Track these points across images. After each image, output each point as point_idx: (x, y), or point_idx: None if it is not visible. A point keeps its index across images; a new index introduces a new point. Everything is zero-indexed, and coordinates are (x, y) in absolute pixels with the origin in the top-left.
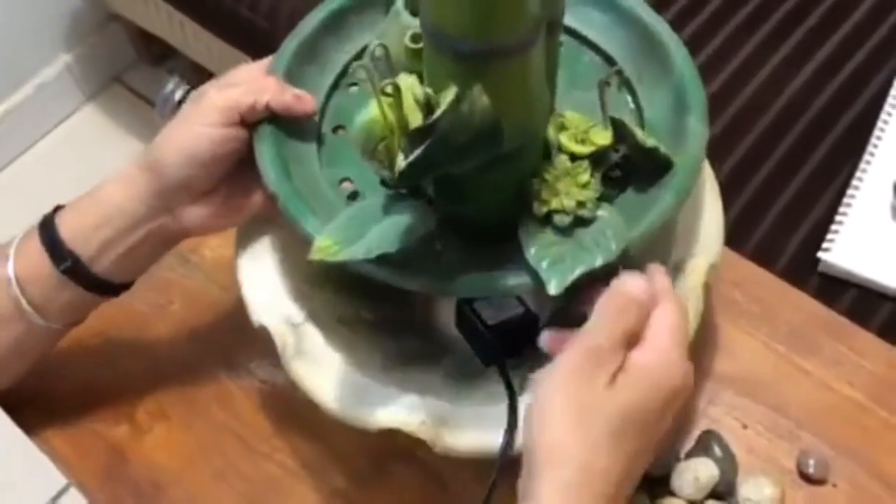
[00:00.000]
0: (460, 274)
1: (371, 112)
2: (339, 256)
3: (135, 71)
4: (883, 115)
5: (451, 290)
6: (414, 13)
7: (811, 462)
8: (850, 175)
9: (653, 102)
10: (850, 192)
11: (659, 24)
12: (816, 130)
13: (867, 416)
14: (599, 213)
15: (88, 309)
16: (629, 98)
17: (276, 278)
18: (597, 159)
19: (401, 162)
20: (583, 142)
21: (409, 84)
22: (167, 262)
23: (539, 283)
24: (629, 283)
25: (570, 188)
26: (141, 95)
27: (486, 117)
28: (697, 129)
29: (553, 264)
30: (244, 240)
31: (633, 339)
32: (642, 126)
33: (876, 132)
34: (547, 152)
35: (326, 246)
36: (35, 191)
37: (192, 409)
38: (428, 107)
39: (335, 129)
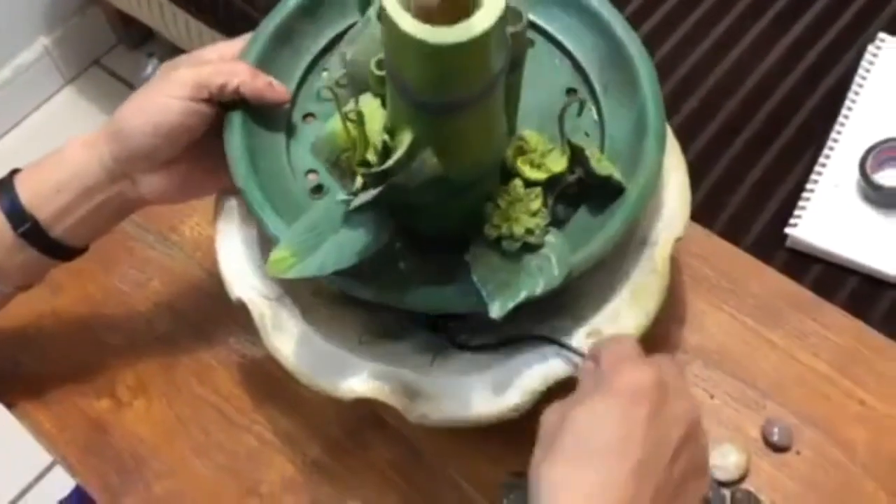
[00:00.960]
0: (413, 287)
1: (331, 124)
2: (291, 273)
3: (114, 54)
4: (850, 95)
5: (403, 304)
6: None
7: (776, 430)
8: (817, 153)
9: (615, 117)
10: (817, 169)
11: (631, 41)
12: (784, 110)
13: (831, 386)
14: (547, 238)
15: (41, 273)
16: (594, 112)
17: (253, 254)
18: (550, 183)
19: (358, 187)
20: (539, 167)
21: (372, 109)
22: (147, 240)
23: (483, 305)
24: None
25: (521, 215)
26: (121, 78)
27: (433, 172)
28: (653, 155)
29: (497, 289)
30: (223, 216)
31: None
32: (603, 139)
33: (843, 111)
34: (504, 174)
35: (282, 258)
36: None
37: (172, 384)
38: (385, 148)
39: (305, 117)
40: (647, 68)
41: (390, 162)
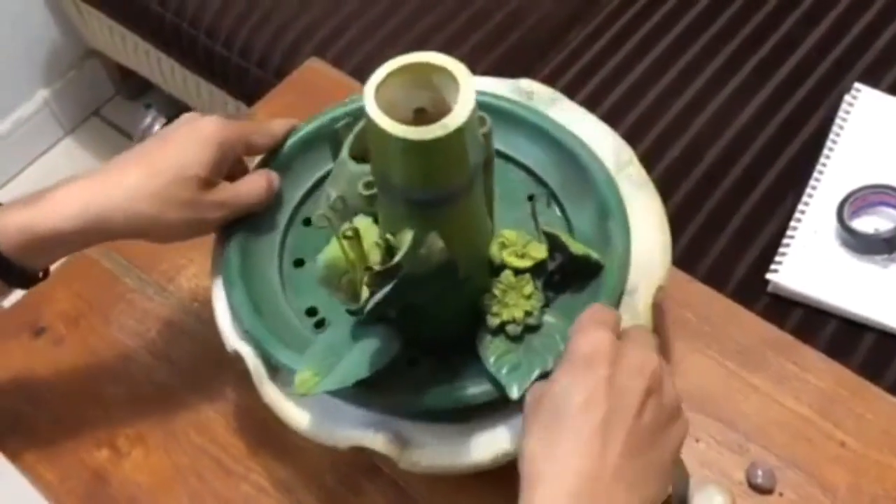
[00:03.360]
0: (428, 389)
1: (333, 249)
2: (318, 388)
3: (113, 105)
4: (828, 144)
5: (421, 406)
6: (358, 160)
7: (759, 473)
8: (797, 201)
9: (577, 208)
10: (796, 216)
11: (578, 145)
12: (764, 159)
13: (812, 428)
14: (545, 318)
15: None
16: (557, 209)
17: None
18: (536, 270)
19: (367, 297)
20: (522, 256)
21: (365, 226)
22: (146, 292)
23: (501, 390)
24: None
25: (518, 300)
26: (119, 129)
27: (441, 256)
28: (619, 232)
29: (511, 371)
30: (219, 268)
31: None
32: (571, 230)
33: (821, 159)
34: (493, 269)
35: (307, 378)
36: None
37: (170, 433)
38: (388, 249)
39: (295, 264)
40: (596, 165)
41: (401, 253)
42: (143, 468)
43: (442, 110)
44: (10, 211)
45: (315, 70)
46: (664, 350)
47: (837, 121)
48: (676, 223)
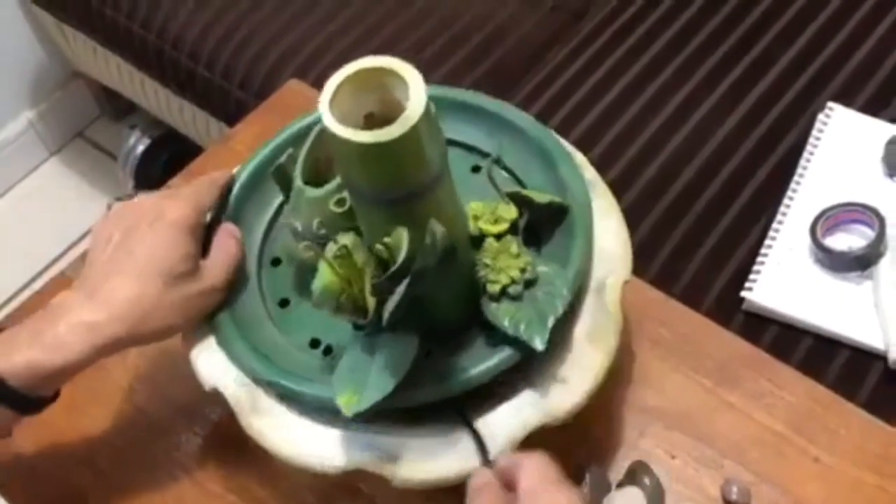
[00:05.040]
0: (454, 374)
1: (325, 275)
2: (363, 405)
3: (97, 126)
4: (802, 163)
5: (454, 391)
6: (314, 184)
7: (734, 489)
8: (771, 219)
9: (525, 170)
10: (771, 234)
11: (503, 109)
12: (739, 178)
13: (787, 444)
14: (538, 269)
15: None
16: (505, 173)
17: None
18: (511, 231)
19: (375, 306)
20: (496, 221)
21: (353, 241)
22: None
23: (524, 347)
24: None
25: (509, 261)
26: (104, 150)
27: (444, 240)
28: (572, 175)
29: (529, 326)
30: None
31: None
32: (524, 187)
33: (795, 178)
34: (473, 242)
35: (349, 400)
36: (0, 245)
37: (150, 454)
38: (388, 252)
39: (281, 304)
40: (523, 118)
41: (403, 250)
42: (122, 489)
43: (390, 112)
44: (15, 347)
45: (295, 91)
46: (641, 367)
47: (811, 140)
48: (652, 242)
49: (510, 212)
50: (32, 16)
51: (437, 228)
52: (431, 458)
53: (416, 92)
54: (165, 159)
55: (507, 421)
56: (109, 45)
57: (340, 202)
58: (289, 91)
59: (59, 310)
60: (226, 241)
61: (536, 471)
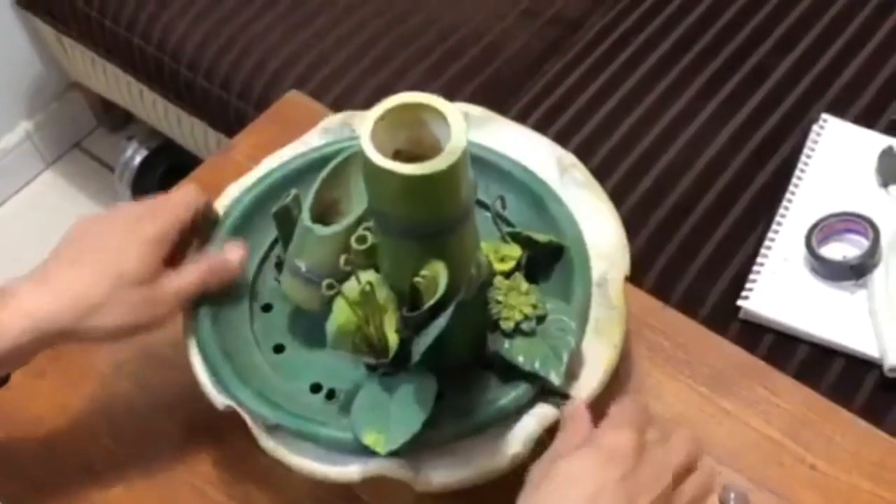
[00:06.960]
0: (474, 411)
1: (341, 314)
2: (392, 445)
3: (94, 137)
4: (796, 173)
5: (479, 426)
6: (321, 223)
7: (732, 496)
8: (767, 229)
9: (514, 211)
10: (766, 243)
11: (486, 153)
12: (734, 188)
13: (783, 452)
14: (548, 307)
15: None
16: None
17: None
18: (517, 269)
19: (398, 343)
20: (503, 260)
21: (374, 279)
22: None
23: (539, 383)
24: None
25: (519, 298)
26: (101, 161)
27: (486, 271)
28: (559, 210)
29: (545, 361)
30: (193, 326)
31: None
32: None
33: (790, 188)
34: (486, 280)
35: (375, 440)
36: None
37: (150, 461)
38: (412, 289)
39: (275, 350)
40: (505, 160)
41: (442, 283)
42: (122, 496)
43: (417, 149)
44: None
45: (294, 102)
46: (638, 375)
47: (806, 150)
48: (650, 251)
49: (514, 251)
50: (30, 26)
51: (482, 259)
52: (451, 462)
53: (456, 126)
54: (163, 170)
55: (524, 419)
56: (108, 55)
57: (360, 239)
58: (288, 102)
59: (6, 292)
60: (208, 260)
61: (619, 412)
